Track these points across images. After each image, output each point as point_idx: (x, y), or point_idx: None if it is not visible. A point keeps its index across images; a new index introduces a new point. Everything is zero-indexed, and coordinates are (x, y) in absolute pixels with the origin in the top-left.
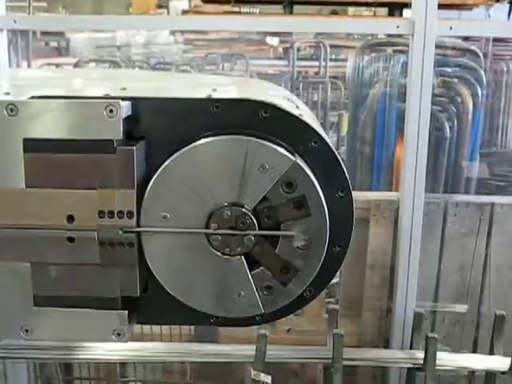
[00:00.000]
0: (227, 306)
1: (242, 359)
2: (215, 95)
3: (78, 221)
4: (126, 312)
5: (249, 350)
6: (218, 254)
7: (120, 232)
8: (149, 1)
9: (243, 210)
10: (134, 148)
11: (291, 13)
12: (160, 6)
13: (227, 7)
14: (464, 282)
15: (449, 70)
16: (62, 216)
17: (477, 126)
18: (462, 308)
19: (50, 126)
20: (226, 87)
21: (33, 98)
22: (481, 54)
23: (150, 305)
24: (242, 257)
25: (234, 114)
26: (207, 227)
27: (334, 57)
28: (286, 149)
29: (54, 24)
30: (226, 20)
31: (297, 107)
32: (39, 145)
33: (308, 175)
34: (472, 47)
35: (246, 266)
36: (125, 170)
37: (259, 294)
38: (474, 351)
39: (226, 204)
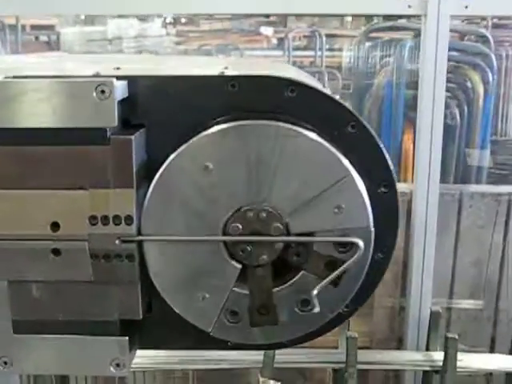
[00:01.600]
0: (248, 331)
1: (249, 365)
2: (229, 73)
3: (65, 229)
4: (127, 338)
5: (256, 354)
6: (239, 265)
7: (117, 242)
8: None
9: (268, 209)
10: (133, 137)
11: None
12: None
13: None
14: (480, 277)
15: (455, 54)
16: (44, 223)
17: (487, 113)
18: (477, 304)
19: (28, 112)
20: (238, 65)
21: (7, 78)
22: (491, 39)
23: (155, 327)
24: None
25: (253, 94)
26: (224, 233)
27: (327, 47)
28: (318, 135)
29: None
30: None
31: (324, 87)
32: (15, 135)
33: (342, 163)
34: (481, 30)
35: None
36: (121, 165)
37: (299, 310)
38: (492, 349)
39: (247, 206)
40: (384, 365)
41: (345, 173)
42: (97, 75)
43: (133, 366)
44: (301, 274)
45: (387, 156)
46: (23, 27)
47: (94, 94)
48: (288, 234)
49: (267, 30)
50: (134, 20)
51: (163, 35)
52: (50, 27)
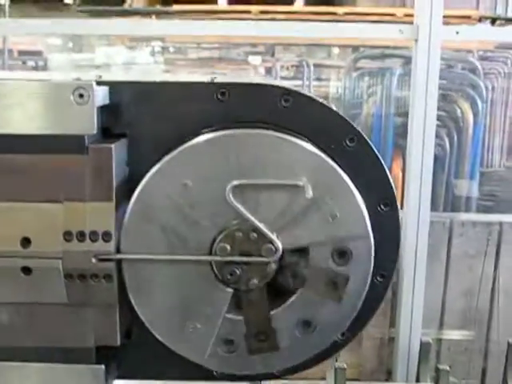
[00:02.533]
0: (239, 360)
1: None
2: (218, 80)
3: (37, 245)
4: (103, 367)
5: None
6: (228, 289)
7: (93, 260)
8: None
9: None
10: (113, 146)
11: None
12: None
13: None
14: (471, 308)
15: (445, 82)
16: (14, 239)
17: (477, 142)
18: (468, 335)
19: None
20: (227, 77)
21: None
22: (480, 69)
23: (134, 355)
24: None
25: (245, 103)
26: (211, 253)
27: (315, 77)
28: (316, 147)
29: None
30: (208, 25)
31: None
32: None
33: (344, 180)
34: (471, 59)
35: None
36: (100, 177)
37: (298, 333)
38: (483, 381)
39: (234, 223)
40: None
41: (342, 186)
42: (75, 80)
43: None
44: (298, 293)
45: (387, 171)
46: (10, 52)
47: (72, 98)
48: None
49: (255, 60)
50: (122, 48)
51: (151, 63)
52: (38, 53)
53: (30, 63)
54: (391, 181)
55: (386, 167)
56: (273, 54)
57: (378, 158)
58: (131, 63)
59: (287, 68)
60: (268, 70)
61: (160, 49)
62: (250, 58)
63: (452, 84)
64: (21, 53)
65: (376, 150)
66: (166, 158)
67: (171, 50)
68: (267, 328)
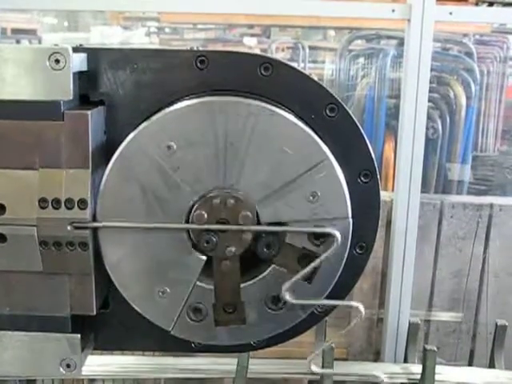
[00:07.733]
0: (213, 330)
1: (221, 375)
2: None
3: (11, 212)
4: (79, 336)
5: (229, 364)
6: (204, 257)
7: (69, 227)
8: None
9: (237, 196)
10: (89, 113)
11: None
12: None
13: None
14: (460, 289)
15: (439, 64)
16: None
17: (469, 125)
18: (456, 317)
19: None
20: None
21: None
22: (475, 53)
23: (110, 325)
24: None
25: (224, 72)
26: (188, 221)
27: (311, 59)
28: (295, 116)
29: None
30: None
31: None
32: None
33: (320, 146)
34: (465, 40)
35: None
36: (76, 143)
37: (268, 308)
38: (470, 362)
39: (213, 190)
40: (361, 376)
41: (322, 157)
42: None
43: (102, 373)
44: (271, 268)
45: (368, 142)
46: (4, 30)
47: (48, 64)
48: (258, 223)
49: (250, 41)
50: (117, 28)
51: (146, 43)
52: (32, 31)
53: (24, 42)
54: (371, 151)
55: (366, 138)
56: (269, 36)
57: (358, 128)
58: (126, 43)
59: (282, 50)
60: (263, 52)
61: (155, 29)
62: (246, 40)
63: (446, 67)
64: (14, 31)
65: (356, 120)
66: (143, 125)
67: (167, 30)
68: (236, 300)
